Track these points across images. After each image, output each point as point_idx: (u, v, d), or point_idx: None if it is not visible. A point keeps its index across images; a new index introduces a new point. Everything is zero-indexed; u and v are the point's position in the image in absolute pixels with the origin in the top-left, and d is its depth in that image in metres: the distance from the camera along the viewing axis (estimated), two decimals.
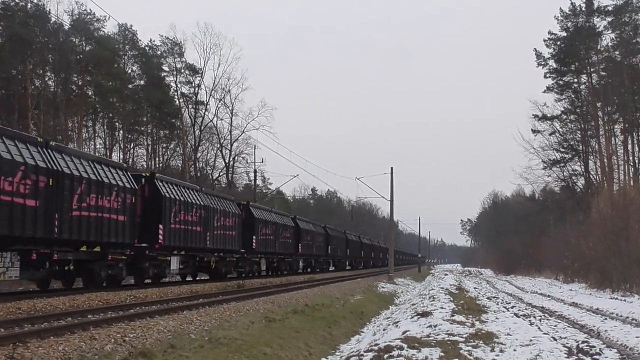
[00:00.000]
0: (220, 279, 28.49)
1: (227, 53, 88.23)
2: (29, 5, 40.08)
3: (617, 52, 49.72)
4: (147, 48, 55.06)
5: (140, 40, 54.27)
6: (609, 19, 49.69)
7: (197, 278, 29.72)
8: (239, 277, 31.54)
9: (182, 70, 56.79)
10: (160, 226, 22.39)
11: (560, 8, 52.53)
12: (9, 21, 38.08)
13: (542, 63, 53.93)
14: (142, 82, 54.71)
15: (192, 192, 25.89)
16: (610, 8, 49.36)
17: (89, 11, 47.25)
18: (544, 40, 53.89)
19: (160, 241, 22.38)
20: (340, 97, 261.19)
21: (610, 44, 50.37)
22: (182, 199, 24.24)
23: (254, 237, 33.29)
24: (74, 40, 46.50)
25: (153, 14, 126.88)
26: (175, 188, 24.34)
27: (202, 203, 26.22)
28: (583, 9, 51.48)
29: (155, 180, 22.85)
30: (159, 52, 56.55)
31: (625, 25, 48.37)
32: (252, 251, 33.34)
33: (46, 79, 43.78)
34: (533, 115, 52.85)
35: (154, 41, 56.23)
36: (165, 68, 56.57)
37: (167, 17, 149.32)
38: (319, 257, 50.83)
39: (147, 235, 21.88)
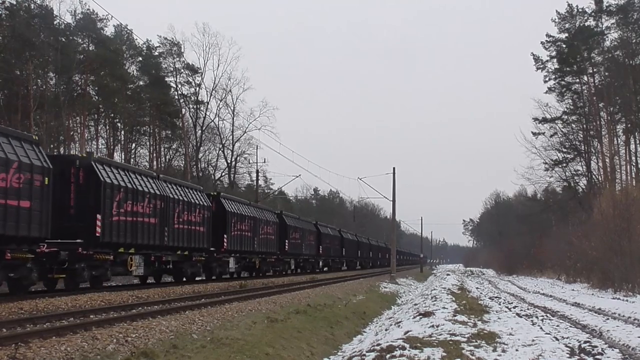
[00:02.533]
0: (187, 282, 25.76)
1: (227, 53, 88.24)
2: (33, 6, 40.05)
3: (618, 53, 49.61)
4: (145, 48, 55.00)
5: (137, 38, 54.25)
6: (614, 19, 49.60)
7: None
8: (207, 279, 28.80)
9: (182, 70, 56.84)
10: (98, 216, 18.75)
11: (557, 10, 52.59)
12: (11, 21, 38.06)
13: (541, 66, 53.99)
14: (141, 83, 54.68)
15: (144, 179, 22.00)
16: (612, 8, 49.29)
17: (92, 11, 47.40)
18: (542, 43, 53.92)
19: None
20: (342, 97, 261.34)
21: (612, 44, 50.35)
22: (129, 185, 20.46)
23: (225, 234, 29.23)
24: (77, 40, 46.50)
25: (152, 15, 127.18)
26: (122, 173, 20.64)
27: (157, 192, 22.26)
28: (580, 10, 51.49)
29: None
30: (157, 53, 56.54)
31: (632, 24, 48.23)
32: (223, 250, 29.20)
33: (48, 79, 43.78)
34: (533, 118, 52.92)
35: (151, 41, 56.28)
36: (165, 67, 56.61)
37: (166, 18, 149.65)
38: (308, 257, 46.53)
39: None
